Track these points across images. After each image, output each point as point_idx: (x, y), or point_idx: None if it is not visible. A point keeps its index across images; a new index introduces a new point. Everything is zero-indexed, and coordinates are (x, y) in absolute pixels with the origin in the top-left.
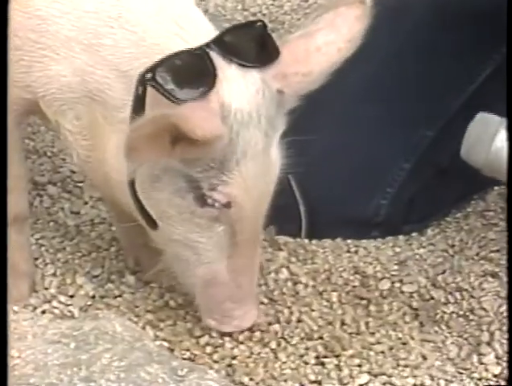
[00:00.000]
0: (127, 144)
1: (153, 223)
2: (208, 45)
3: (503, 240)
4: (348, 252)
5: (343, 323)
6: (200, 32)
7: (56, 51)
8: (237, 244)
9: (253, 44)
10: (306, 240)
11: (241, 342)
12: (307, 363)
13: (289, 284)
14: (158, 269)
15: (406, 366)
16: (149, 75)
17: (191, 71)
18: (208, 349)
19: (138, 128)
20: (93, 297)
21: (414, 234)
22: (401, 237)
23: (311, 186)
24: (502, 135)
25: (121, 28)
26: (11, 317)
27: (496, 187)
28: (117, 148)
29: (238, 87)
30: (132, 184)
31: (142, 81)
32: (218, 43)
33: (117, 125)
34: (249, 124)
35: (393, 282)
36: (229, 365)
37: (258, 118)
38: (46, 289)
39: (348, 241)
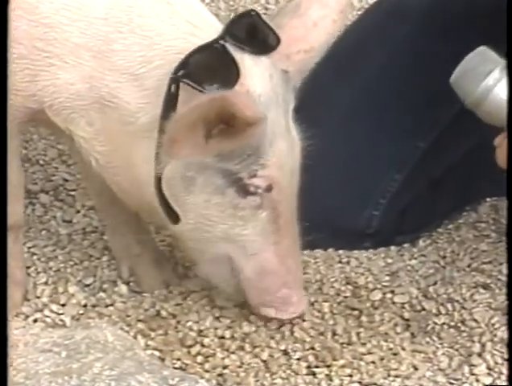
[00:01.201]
0: (168, 136)
1: (177, 219)
2: (222, 38)
3: (495, 251)
4: (340, 262)
5: (334, 333)
6: (212, 29)
7: (64, 60)
8: (280, 228)
9: (256, 32)
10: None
11: (232, 352)
12: (297, 373)
13: None
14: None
15: (396, 376)
16: (181, 73)
17: (215, 65)
18: (199, 358)
19: (181, 117)
20: (85, 305)
21: (405, 245)
22: (393, 248)
23: (303, 196)
24: (496, 75)
25: (131, 33)
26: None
27: (488, 199)
28: (143, 153)
29: (256, 74)
30: (159, 186)
31: (176, 79)
32: (230, 35)
33: (139, 131)
34: (272, 105)
35: (384, 293)
36: (220, 374)
37: (276, 99)
38: (38, 297)
39: (340, 252)
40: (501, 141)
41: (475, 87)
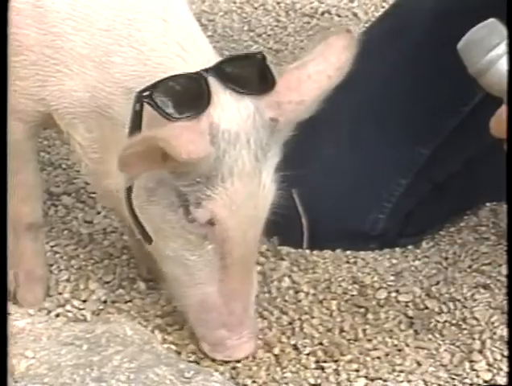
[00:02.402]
0: (120, 160)
1: (148, 238)
2: (207, 70)
3: (494, 253)
4: (348, 262)
5: (342, 330)
6: (201, 55)
7: (70, 67)
8: (228, 266)
9: (250, 73)
10: (307, 251)
11: None
12: (307, 368)
13: (291, 292)
14: None
15: (401, 371)
16: (146, 93)
17: (187, 93)
18: None
19: (129, 146)
20: (105, 301)
21: (409, 247)
22: (397, 249)
23: (313, 200)
24: (501, 49)
25: (129, 47)
26: (27, 320)
27: (488, 204)
28: None
29: (229, 110)
30: (128, 197)
31: (140, 98)
32: (217, 69)
33: (122, 140)
34: (237, 144)
35: (389, 292)
36: (233, 368)
37: (246, 140)
38: (60, 293)
39: (348, 252)
40: (499, 112)
41: (479, 58)
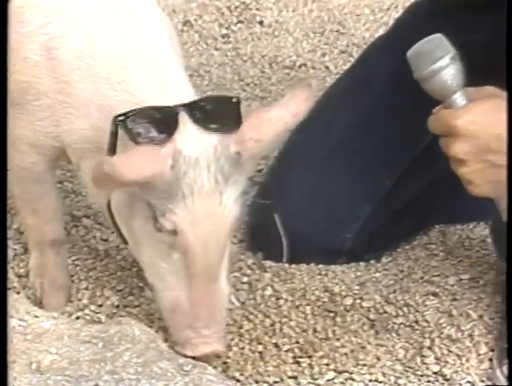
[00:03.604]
0: (92, 180)
1: (126, 242)
2: (181, 105)
3: (442, 267)
4: (320, 274)
5: (315, 331)
6: (178, 94)
7: (78, 110)
8: (192, 275)
9: (220, 112)
10: (286, 265)
11: (234, 345)
12: (285, 362)
13: (272, 299)
14: None
15: (364, 365)
16: (121, 118)
17: (157, 122)
18: None
19: (93, 169)
20: (118, 306)
21: (372, 261)
22: (361, 263)
23: (292, 223)
24: (444, 62)
25: (123, 91)
26: (51, 321)
27: (437, 226)
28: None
29: (193, 140)
30: (109, 211)
31: (115, 122)
32: (189, 105)
33: None
34: (196, 168)
35: (354, 299)
36: (224, 363)
37: (207, 165)
38: (79, 299)
39: (320, 266)
40: (436, 111)
41: (425, 67)
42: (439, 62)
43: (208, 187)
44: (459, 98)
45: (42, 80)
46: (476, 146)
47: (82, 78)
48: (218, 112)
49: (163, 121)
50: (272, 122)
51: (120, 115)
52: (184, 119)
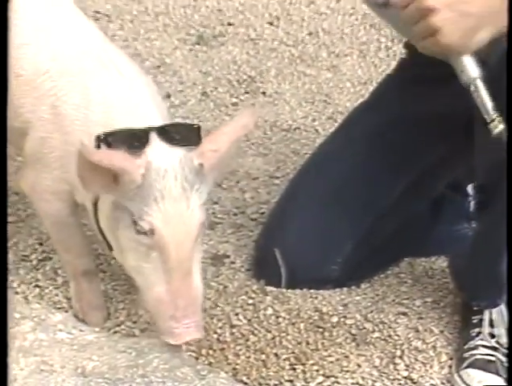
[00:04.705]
0: (77, 174)
1: (111, 248)
2: (152, 128)
3: (411, 292)
4: (311, 297)
5: (307, 343)
6: (151, 122)
7: None
8: (169, 270)
9: (184, 133)
10: (284, 290)
11: (242, 355)
12: (283, 369)
13: (273, 317)
14: None
15: (347, 371)
16: (103, 136)
17: (132, 139)
18: (221, 358)
19: (78, 157)
20: (149, 323)
21: (353, 287)
22: (345, 289)
23: (289, 255)
24: None
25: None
26: (94, 335)
27: (406, 259)
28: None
29: (162, 154)
30: (95, 214)
31: (97, 139)
32: (159, 128)
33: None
34: (165, 176)
35: (339, 317)
36: (234, 369)
37: (174, 174)
38: (117, 317)
39: (312, 291)
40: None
41: None
42: None
43: (176, 193)
44: None
45: (53, 134)
46: None
47: (80, 126)
48: (182, 133)
49: (137, 138)
50: (226, 135)
51: (102, 134)
52: (154, 138)
